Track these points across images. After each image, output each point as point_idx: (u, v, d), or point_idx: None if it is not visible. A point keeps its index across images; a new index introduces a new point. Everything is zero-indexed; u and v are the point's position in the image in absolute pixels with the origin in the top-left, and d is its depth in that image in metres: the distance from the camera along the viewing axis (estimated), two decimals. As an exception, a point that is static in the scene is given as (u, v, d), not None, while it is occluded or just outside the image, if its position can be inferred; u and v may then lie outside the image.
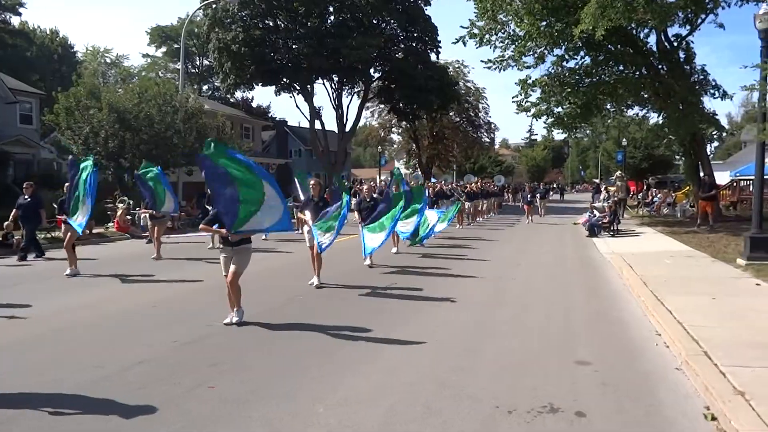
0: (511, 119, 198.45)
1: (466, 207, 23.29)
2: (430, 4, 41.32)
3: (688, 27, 21.45)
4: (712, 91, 21.68)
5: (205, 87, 62.48)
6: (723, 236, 16.83)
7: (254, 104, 61.95)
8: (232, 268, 7.08)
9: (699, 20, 20.46)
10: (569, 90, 22.40)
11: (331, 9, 39.42)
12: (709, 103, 46.55)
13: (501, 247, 15.73)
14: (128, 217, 19.48)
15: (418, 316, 7.71)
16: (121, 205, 19.54)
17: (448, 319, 7.51)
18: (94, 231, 18.43)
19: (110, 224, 19.80)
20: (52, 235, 16.42)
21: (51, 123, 24.71)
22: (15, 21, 55.94)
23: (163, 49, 63.77)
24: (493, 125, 57.94)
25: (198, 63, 63.10)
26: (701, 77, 22.09)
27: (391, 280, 10.26)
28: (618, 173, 38.13)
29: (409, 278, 10.46)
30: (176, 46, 62.85)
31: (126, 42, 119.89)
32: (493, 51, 22.73)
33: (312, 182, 10.52)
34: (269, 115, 63.25)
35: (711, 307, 7.62)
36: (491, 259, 13.18)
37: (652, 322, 7.20)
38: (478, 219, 25.05)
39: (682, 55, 22.16)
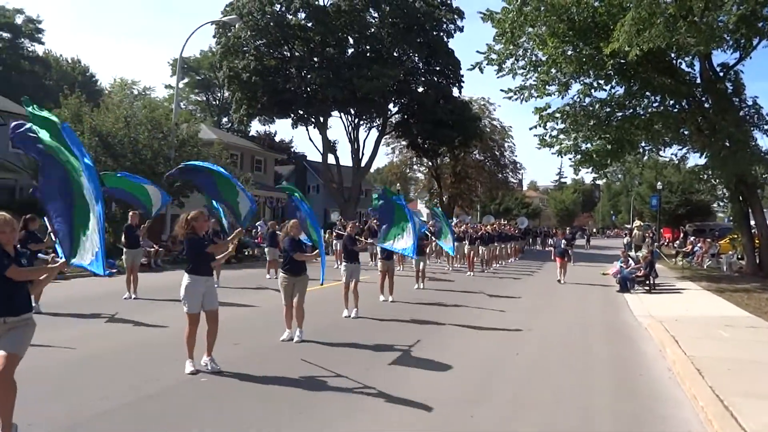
0: (539, 161, 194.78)
1: (480, 252, 20.64)
2: (452, 37, 39.50)
3: (737, 55, 18.84)
4: (766, 127, 18.85)
5: (224, 119, 61.55)
6: (787, 298, 13.82)
7: (277, 138, 60.72)
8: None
9: (751, 46, 17.80)
10: (597, 123, 19.81)
11: (350, 40, 37.93)
12: (762, 140, 42.98)
13: (511, 304, 12.99)
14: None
15: (351, 421, 5.12)
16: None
17: (397, 427, 4.90)
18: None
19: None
20: None
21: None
22: (39, 50, 56.28)
23: (186, 80, 63.33)
24: (519, 165, 55.34)
25: (219, 95, 62.38)
26: (752, 111, 19.29)
27: (324, 355, 7.64)
28: (637, 222, 35.20)
29: (356, 354, 7.82)
30: (198, 77, 62.55)
31: (150, 74, 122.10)
32: (514, 79, 20.37)
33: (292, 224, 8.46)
34: (291, 150, 61.82)
35: (814, 429, 4.87)
36: (493, 322, 10.43)
37: (722, 455, 4.49)
38: (493, 265, 22.31)
39: (729, 86, 19.45)
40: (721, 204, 35.77)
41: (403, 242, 10.18)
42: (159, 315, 9.53)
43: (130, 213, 11.96)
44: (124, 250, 11.83)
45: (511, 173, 55.81)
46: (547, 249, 34.19)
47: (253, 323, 9.43)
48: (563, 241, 19.49)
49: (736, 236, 24.72)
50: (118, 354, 7.09)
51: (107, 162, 20.63)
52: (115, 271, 14.72)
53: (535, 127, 19.98)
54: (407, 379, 6.43)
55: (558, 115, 19.49)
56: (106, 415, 4.99)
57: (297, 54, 37.02)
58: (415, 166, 56.87)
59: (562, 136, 20.35)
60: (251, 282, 14.98)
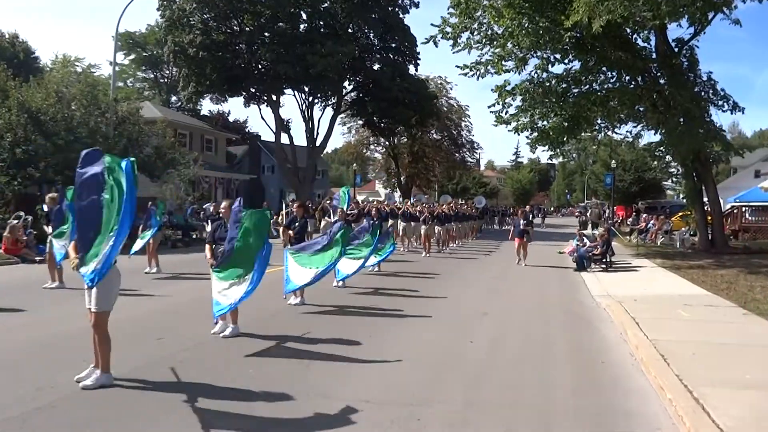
0: (497, 140, 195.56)
1: (436, 232, 20.10)
2: (408, 13, 38.59)
3: (691, 30, 18.63)
4: (720, 103, 18.78)
5: (174, 98, 59.14)
6: (739, 273, 13.76)
7: (231, 118, 58.65)
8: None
9: (706, 20, 17.57)
10: (555, 100, 19.39)
11: (303, 15, 36.55)
12: (716, 117, 43.31)
13: (467, 284, 12.49)
14: (25, 237, 16.05)
15: (282, 426, 4.42)
16: (14, 222, 16.10)
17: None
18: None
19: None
20: None
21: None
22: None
23: (132, 56, 60.52)
24: (476, 144, 55.07)
25: (167, 72, 59.82)
26: (707, 87, 19.18)
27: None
28: (593, 200, 35.86)
29: (295, 348, 7.14)
30: (145, 53, 59.79)
31: (95, 51, 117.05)
32: (470, 53, 19.70)
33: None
34: (245, 130, 59.90)
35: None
36: (448, 307, 9.85)
37: (697, 459, 3.98)
38: (450, 245, 21.83)
39: (684, 61, 19.28)
40: (674, 181, 36.30)
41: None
42: (71, 307, 8.43)
43: (47, 196, 10.85)
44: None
45: (468, 153, 55.59)
46: (504, 228, 33.95)
47: (187, 314, 8.58)
48: (523, 221, 16.99)
49: (688, 213, 24.97)
50: (11, 355, 6.17)
51: (38, 141, 19.17)
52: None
53: (494, 104, 19.46)
54: (350, 376, 5.76)
55: (516, 91, 18.96)
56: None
57: (247, 29, 35.43)
58: (372, 146, 56.01)
59: (515, 111, 19.89)
60: (196, 267, 13.85)
